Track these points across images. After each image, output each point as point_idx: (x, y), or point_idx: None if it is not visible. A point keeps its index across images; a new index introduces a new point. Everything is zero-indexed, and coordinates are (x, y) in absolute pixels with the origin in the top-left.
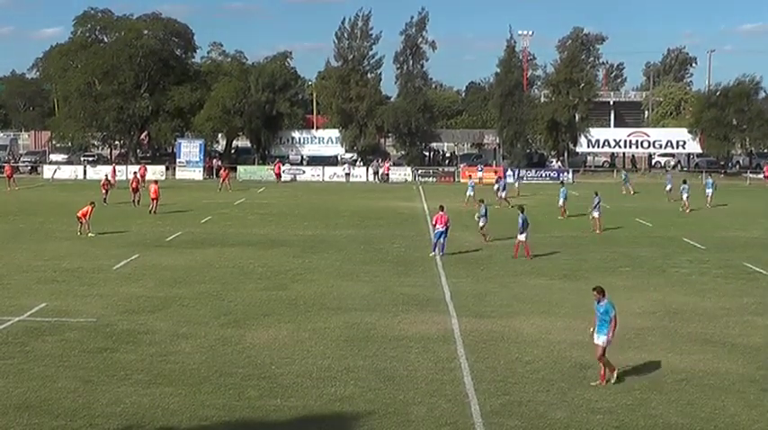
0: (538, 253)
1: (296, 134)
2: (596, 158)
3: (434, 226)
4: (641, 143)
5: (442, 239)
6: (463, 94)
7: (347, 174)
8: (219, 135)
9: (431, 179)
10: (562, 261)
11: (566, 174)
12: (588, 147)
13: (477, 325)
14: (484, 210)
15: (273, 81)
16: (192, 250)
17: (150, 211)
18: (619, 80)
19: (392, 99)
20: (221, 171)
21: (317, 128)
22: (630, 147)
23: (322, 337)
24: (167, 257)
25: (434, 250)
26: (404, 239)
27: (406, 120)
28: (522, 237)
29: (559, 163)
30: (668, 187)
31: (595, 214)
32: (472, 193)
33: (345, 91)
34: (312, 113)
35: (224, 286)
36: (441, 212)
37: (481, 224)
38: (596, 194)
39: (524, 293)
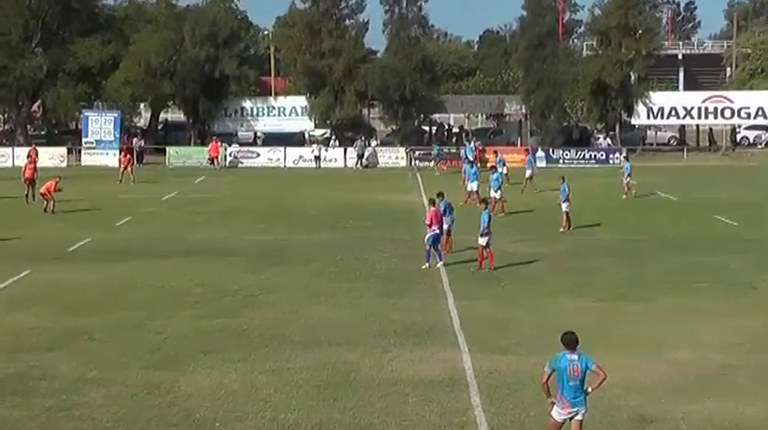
0: (578, 263)
1: (247, 103)
2: (660, 133)
3: (429, 225)
4: (722, 111)
5: (437, 243)
6: (476, 47)
7: (317, 158)
8: (142, 105)
9: (432, 163)
10: (613, 274)
11: (620, 154)
12: (649, 118)
13: (498, 364)
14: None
15: (216, 31)
16: (105, 264)
17: (45, 210)
18: (690, 25)
19: (379, 54)
20: (121, 155)
21: (277, 94)
22: (707, 117)
23: (285, 383)
24: (70, 274)
25: (440, 259)
26: (396, 246)
27: (397, 82)
28: (482, 241)
29: (608, 140)
30: (528, 172)
31: (497, 195)
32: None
33: (315, 43)
34: (269, 75)
35: (149, 313)
36: (434, 207)
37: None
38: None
39: (561, 320)
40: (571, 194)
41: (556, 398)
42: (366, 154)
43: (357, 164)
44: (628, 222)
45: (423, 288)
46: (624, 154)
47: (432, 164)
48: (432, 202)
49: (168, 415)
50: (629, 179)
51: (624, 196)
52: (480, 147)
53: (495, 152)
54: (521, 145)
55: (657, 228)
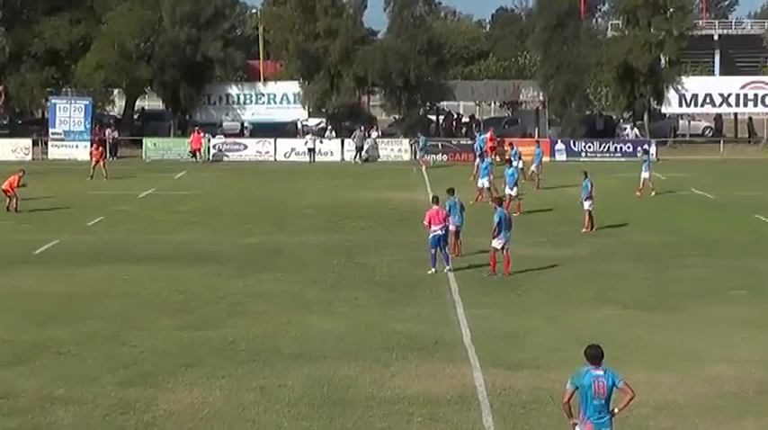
0: (603, 268)
1: (233, 90)
2: (693, 123)
3: (428, 226)
4: (762, 99)
5: (442, 246)
6: (489, 28)
7: (311, 151)
8: (116, 92)
9: (440, 157)
10: (640, 281)
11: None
12: (681, 106)
13: (513, 381)
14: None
15: (198, 10)
16: (75, 269)
17: (8, 209)
18: (726, 3)
19: (380, 35)
20: (92, 148)
21: (266, 80)
22: (746, 105)
23: (275, 401)
24: (36, 280)
25: (447, 264)
26: (400, 249)
27: (400, 67)
28: (497, 243)
29: (636, 130)
30: (532, 167)
31: (513, 192)
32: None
33: (309, 23)
34: (257, 58)
35: (124, 324)
36: (436, 206)
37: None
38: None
39: (584, 332)
40: (594, 191)
41: (578, 418)
42: (366, 146)
43: (355, 157)
44: (658, 222)
45: (429, 296)
46: (645, 146)
47: (417, 156)
48: (435, 200)
49: None
50: (649, 174)
51: (653, 193)
52: (497, 139)
53: (511, 144)
54: (538, 136)
55: (691, 228)
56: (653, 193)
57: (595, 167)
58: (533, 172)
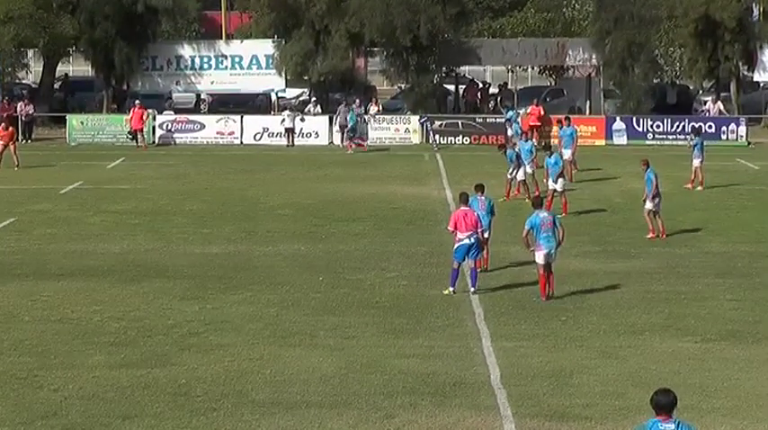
0: (674, 286)
1: (185, 51)
2: None
3: (454, 232)
4: None
5: (471, 259)
6: None
7: (290, 132)
8: (30, 53)
9: (460, 139)
10: (724, 304)
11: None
12: None
13: None
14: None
15: None
16: None
17: None
18: None
19: None
20: None
21: (230, 37)
22: None
23: None
24: None
25: (472, 284)
26: (407, 261)
27: (408, 20)
28: (540, 257)
29: (720, 105)
30: (566, 155)
31: (557, 186)
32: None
33: None
34: (218, 9)
35: (41, 360)
36: (464, 207)
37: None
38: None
39: (650, 371)
40: (661, 186)
41: None
42: (350, 122)
43: (343, 139)
44: (747, 226)
45: (445, 323)
46: (695, 124)
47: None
48: (464, 199)
49: None
50: (699, 162)
51: (688, 185)
52: (539, 112)
53: (559, 122)
54: (590, 112)
55: None
56: (687, 186)
57: (665, 154)
58: (569, 161)
